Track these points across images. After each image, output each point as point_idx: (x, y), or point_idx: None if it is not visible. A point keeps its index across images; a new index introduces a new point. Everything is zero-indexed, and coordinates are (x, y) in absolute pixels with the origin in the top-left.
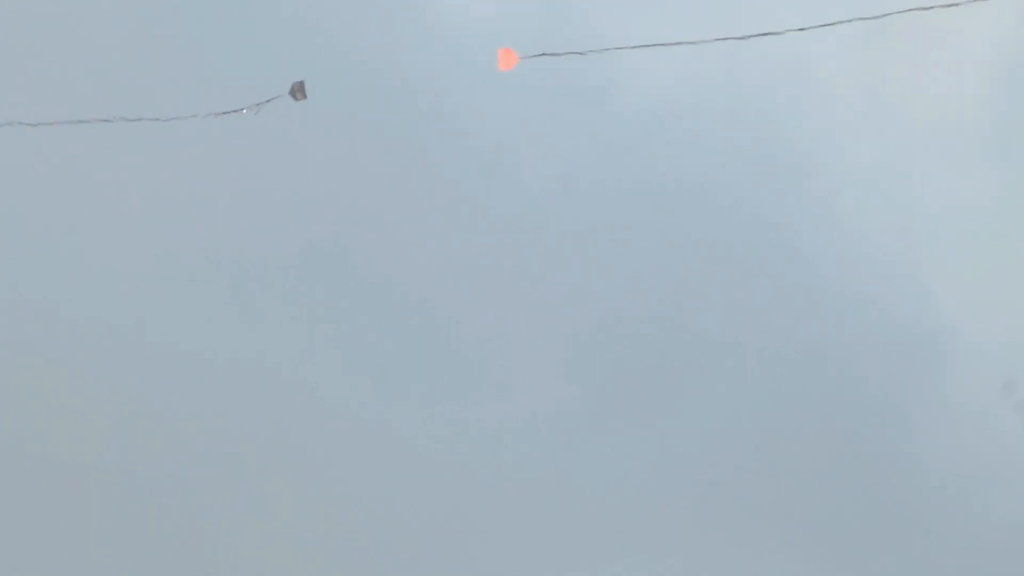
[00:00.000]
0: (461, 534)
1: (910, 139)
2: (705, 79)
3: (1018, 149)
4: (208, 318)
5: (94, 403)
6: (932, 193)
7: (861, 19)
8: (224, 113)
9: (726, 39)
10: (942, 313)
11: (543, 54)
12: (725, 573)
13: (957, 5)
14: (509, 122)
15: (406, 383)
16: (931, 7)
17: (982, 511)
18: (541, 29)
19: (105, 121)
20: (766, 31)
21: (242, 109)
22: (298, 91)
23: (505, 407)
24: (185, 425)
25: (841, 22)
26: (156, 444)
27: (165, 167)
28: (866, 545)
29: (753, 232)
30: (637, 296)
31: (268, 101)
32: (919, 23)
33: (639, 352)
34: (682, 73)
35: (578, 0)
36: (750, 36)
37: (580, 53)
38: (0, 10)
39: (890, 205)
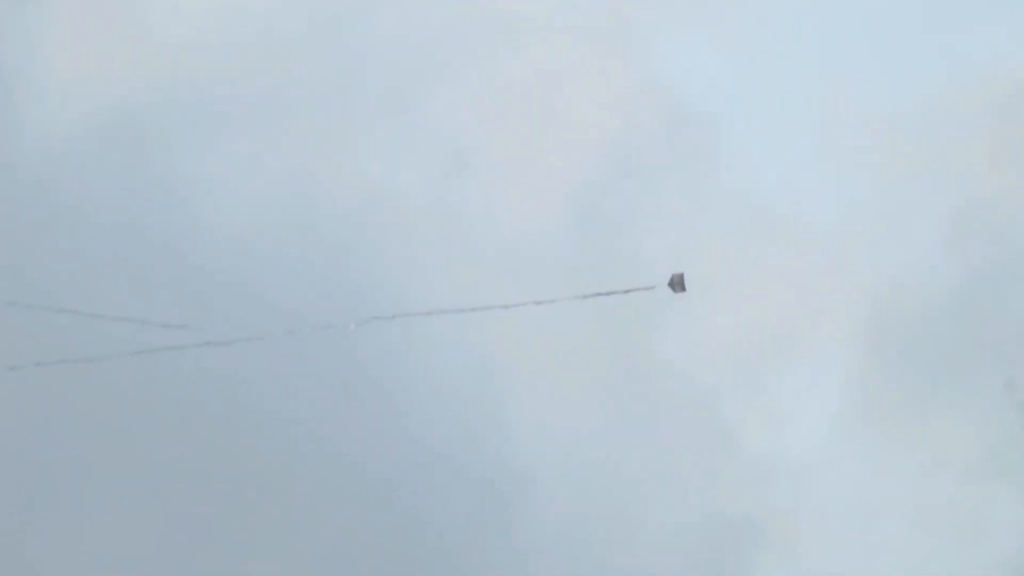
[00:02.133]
0: None
1: (490, 270)
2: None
3: (599, 278)
4: None
5: None
6: (511, 330)
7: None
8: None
9: None
10: (516, 457)
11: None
12: None
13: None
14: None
15: None
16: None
17: None
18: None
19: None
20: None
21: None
22: (677, 284)
23: None
24: None
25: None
26: None
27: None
28: None
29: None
30: None
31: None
32: (499, 154)
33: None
34: None
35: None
36: None
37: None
38: None
39: (469, 345)
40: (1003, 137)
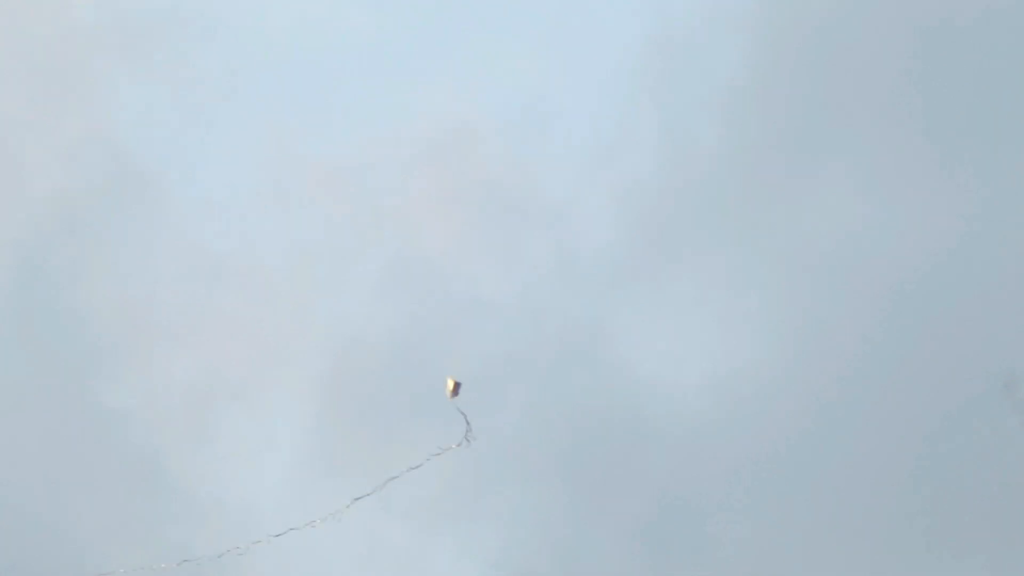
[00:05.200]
0: None
1: None
2: None
3: (36, 331)
4: None
5: None
6: None
7: None
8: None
9: None
10: None
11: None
12: None
13: None
14: None
15: None
16: None
17: None
18: None
19: None
20: None
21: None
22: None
23: None
24: None
25: None
26: None
27: None
28: None
29: None
30: None
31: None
32: None
33: None
34: None
35: None
36: None
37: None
38: None
39: None
40: (443, 184)
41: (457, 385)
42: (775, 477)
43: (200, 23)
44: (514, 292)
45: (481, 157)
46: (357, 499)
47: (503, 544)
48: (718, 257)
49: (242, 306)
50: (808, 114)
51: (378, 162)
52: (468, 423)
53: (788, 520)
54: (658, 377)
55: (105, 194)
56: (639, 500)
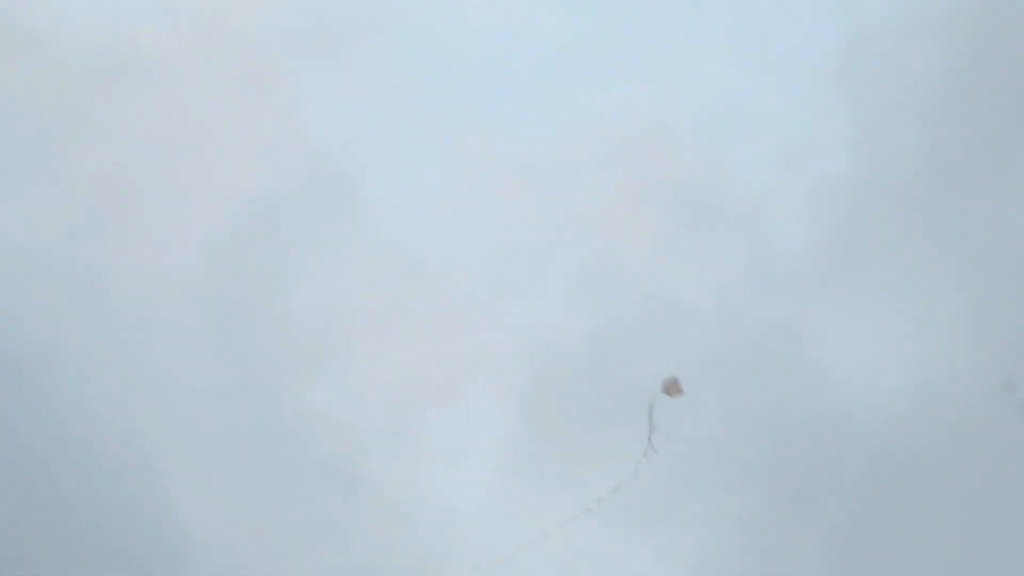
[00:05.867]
0: None
1: (133, 327)
2: None
3: (248, 335)
4: None
5: None
6: (159, 373)
7: None
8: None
9: None
10: (179, 532)
11: None
12: None
13: None
14: None
15: None
16: None
17: None
18: None
19: None
20: None
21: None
22: (673, 389)
23: None
24: None
25: None
26: None
27: None
28: None
29: None
30: None
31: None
32: (137, 208)
33: None
34: None
35: None
36: None
37: None
38: None
39: (121, 386)
40: (637, 185)
41: (674, 386)
42: (978, 485)
43: (396, 24)
44: (709, 295)
45: (675, 158)
46: (573, 518)
47: (700, 550)
48: (916, 258)
49: (440, 310)
50: (1007, 112)
51: (572, 164)
52: (651, 439)
53: (992, 529)
54: (855, 381)
55: (302, 197)
56: (836, 505)
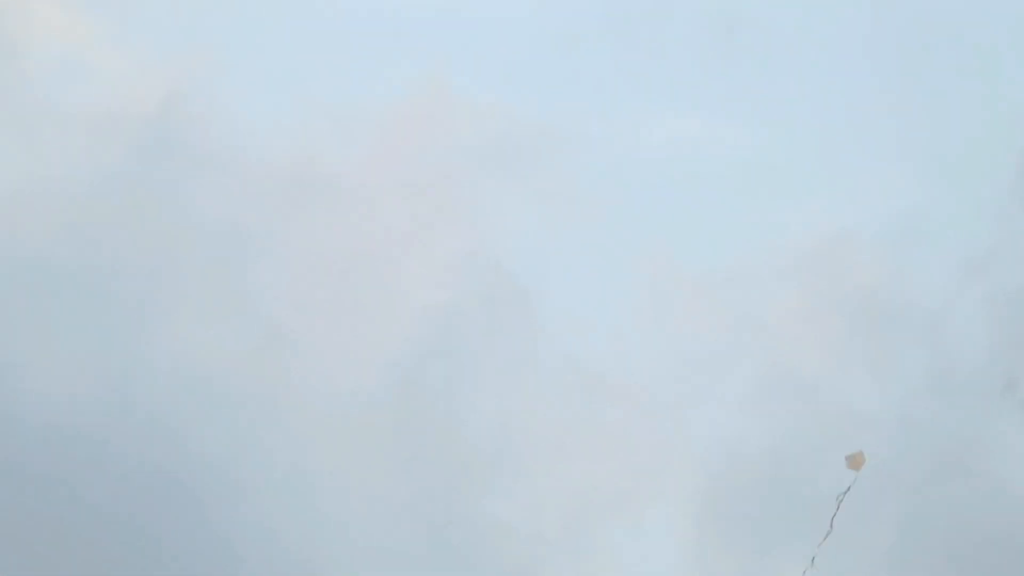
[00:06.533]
0: None
1: (312, 441)
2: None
3: (424, 446)
4: None
5: None
6: (339, 489)
7: None
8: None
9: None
10: None
11: None
12: None
13: None
14: None
15: None
16: None
17: None
18: None
19: None
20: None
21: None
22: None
23: None
24: None
25: None
26: None
27: None
28: None
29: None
30: None
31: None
32: (317, 323)
33: None
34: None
35: None
36: None
37: None
38: None
39: (301, 503)
40: (816, 294)
41: (858, 458)
42: None
43: (576, 141)
44: (889, 404)
45: (854, 268)
46: None
47: None
48: None
49: (617, 420)
50: None
51: (751, 274)
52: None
53: None
54: None
55: (483, 309)
56: None
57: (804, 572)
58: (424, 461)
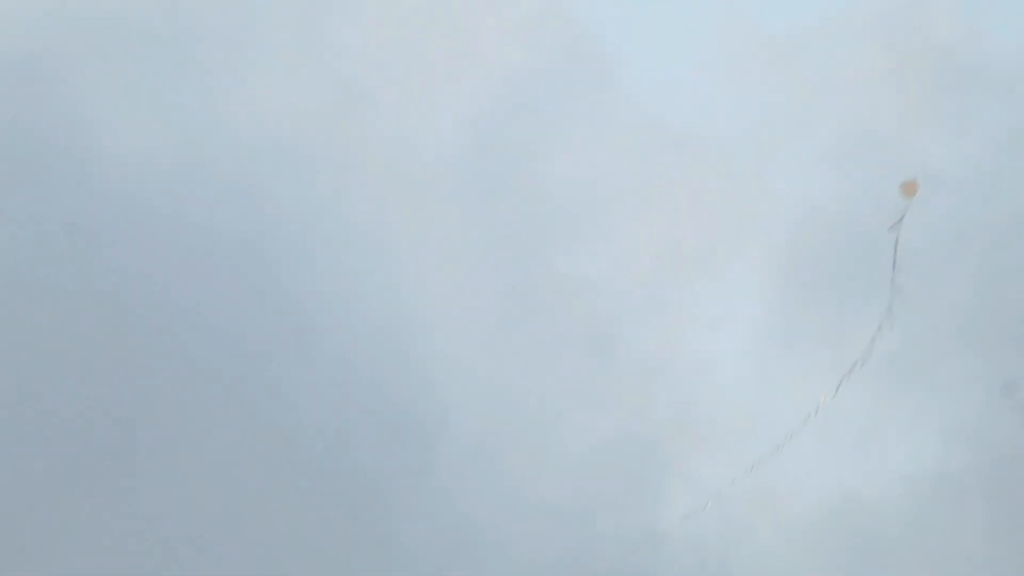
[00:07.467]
0: None
1: (391, 201)
2: None
3: (505, 206)
4: None
5: None
6: (417, 251)
7: None
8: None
9: None
10: (433, 393)
11: None
12: None
13: None
14: None
15: None
16: None
17: None
18: None
19: None
20: None
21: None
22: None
23: None
24: None
25: None
26: None
27: None
28: None
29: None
30: None
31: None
32: (396, 82)
33: None
34: None
35: None
36: None
37: None
38: None
39: (378, 265)
40: (888, 57)
41: (911, 186)
42: None
43: None
44: (964, 162)
45: (933, 26)
46: (833, 394)
47: (959, 413)
48: None
49: (698, 178)
50: None
51: (831, 32)
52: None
53: None
54: None
55: (562, 68)
56: None
57: (853, 367)
58: (502, 220)
